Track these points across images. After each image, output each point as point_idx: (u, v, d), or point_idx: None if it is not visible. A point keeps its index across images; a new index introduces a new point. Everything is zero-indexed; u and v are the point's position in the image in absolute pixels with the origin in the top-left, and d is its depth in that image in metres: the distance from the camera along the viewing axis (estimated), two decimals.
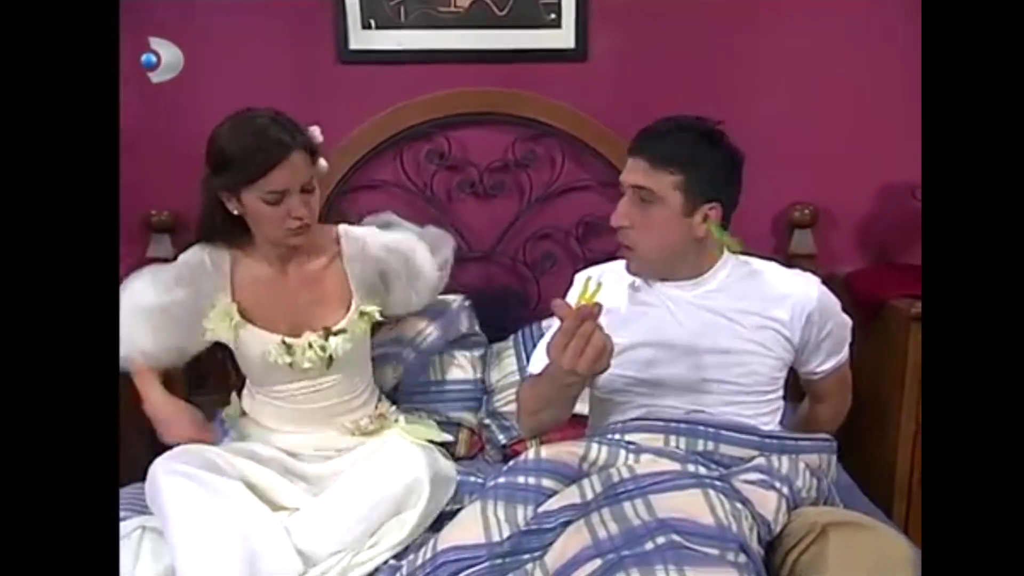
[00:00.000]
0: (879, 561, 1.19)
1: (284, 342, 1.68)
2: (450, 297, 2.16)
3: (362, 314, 1.75)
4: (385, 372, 1.98)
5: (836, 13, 2.24)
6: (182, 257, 1.72)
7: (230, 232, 1.68)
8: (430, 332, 2.04)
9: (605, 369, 1.35)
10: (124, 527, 1.57)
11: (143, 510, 1.63)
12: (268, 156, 1.53)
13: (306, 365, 1.69)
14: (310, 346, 1.68)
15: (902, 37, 2.23)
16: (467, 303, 2.19)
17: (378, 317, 1.79)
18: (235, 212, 1.62)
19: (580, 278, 1.41)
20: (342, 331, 1.72)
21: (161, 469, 1.52)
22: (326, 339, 1.70)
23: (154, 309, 1.68)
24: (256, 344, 1.69)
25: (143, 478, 1.57)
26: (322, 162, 1.67)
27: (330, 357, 1.71)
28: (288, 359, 1.68)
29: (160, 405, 1.70)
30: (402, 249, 1.84)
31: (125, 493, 1.72)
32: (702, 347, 1.54)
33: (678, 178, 1.47)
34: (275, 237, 1.64)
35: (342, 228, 1.78)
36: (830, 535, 1.24)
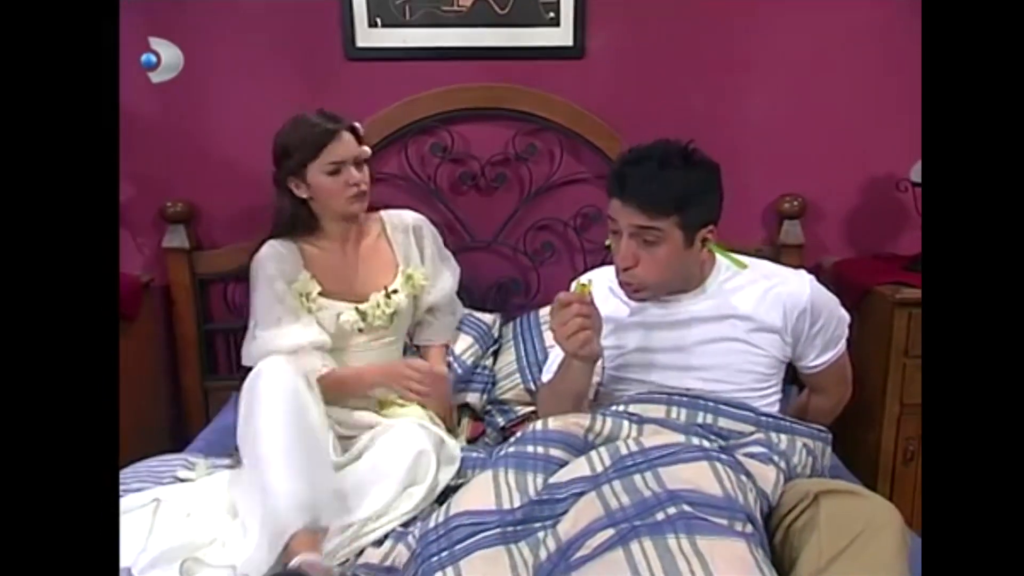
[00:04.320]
0: (867, 524, 1.19)
1: (357, 308, 1.87)
2: (488, 316, 2.21)
3: (408, 277, 1.96)
4: None
5: (825, 12, 2.24)
6: (259, 257, 1.85)
7: (300, 223, 1.87)
8: (473, 349, 2.11)
9: (593, 356, 1.49)
10: (139, 498, 1.56)
11: (160, 481, 1.64)
12: (324, 133, 1.79)
13: (377, 323, 1.89)
14: (377, 305, 1.89)
15: (889, 36, 2.23)
16: (500, 318, 2.24)
17: (421, 280, 1.98)
18: (304, 196, 1.84)
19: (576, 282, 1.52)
20: (395, 291, 1.93)
21: (272, 370, 1.61)
22: (388, 297, 1.91)
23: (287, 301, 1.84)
24: (331, 312, 1.85)
25: (160, 452, 1.59)
26: (365, 148, 1.87)
27: (393, 313, 1.91)
28: (362, 322, 1.87)
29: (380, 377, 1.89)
30: (430, 224, 2.07)
31: (143, 466, 1.72)
32: (698, 350, 1.55)
33: (675, 217, 1.44)
34: (338, 207, 1.84)
35: (383, 211, 2.02)
36: (821, 501, 1.25)
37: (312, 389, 1.65)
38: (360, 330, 1.88)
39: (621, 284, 1.55)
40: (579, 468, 1.35)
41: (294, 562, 1.35)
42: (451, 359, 2.06)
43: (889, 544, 1.18)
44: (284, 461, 1.47)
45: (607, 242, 1.71)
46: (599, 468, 1.33)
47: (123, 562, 1.37)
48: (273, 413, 1.53)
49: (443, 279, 2.06)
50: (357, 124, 1.87)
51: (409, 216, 2.03)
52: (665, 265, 1.49)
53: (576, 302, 1.46)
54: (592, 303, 1.48)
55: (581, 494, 1.29)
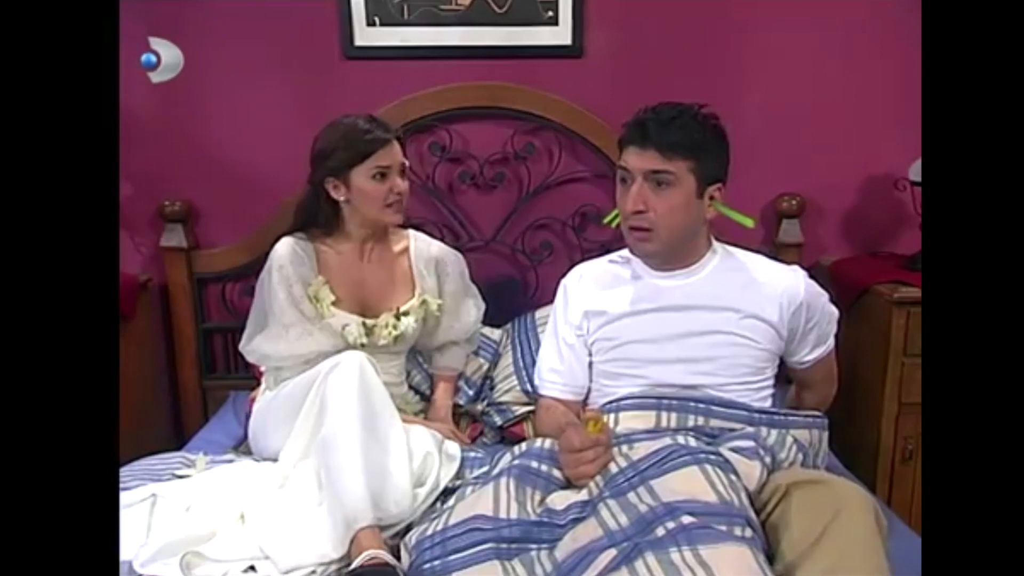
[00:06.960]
0: (838, 511, 1.18)
1: (364, 323, 1.83)
2: (496, 332, 2.20)
3: (423, 302, 1.92)
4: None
5: (823, 12, 2.24)
6: (277, 255, 1.81)
7: (324, 219, 1.85)
8: (483, 370, 2.12)
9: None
10: (136, 495, 1.56)
11: (158, 479, 1.64)
12: (377, 138, 1.78)
13: (381, 342, 1.85)
14: (386, 325, 1.85)
15: (886, 36, 2.23)
16: (508, 328, 2.23)
17: (435, 308, 1.94)
18: (341, 198, 1.81)
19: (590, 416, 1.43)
20: (406, 313, 1.89)
21: (348, 364, 1.60)
22: (398, 319, 1.87)
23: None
24: (338, 321, 1.81)
25: (158, 451, 1.60)
26: (405, 159, 1.86)
27: (399, 336, 1.86)
28: (366, 338, 1.82)
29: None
30: (460, 258, 2.03)
31: (141, 464, 1.73)
32: (691, 341, 1.55)
33: (690, 163, 1.48)
34: (375, 214, 1.82)
35: (412, 231, 1.99)
36: (792, 494, 1.25)
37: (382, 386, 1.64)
38: (363, 345, 1.81)
39: (629, 232, 1.55)
40: (575, 493, 1.36)
41: (363, 557, 1.35)
42: (462, 383, 2.08)
43: (861, 524, 1.18)
44: (357, 459, 1.47)
45: (610, 217, 1.72)
46: (595, 491, 1.34)
47: (123, 556, 1.37)
48: (347, 411, 1.53)
49: (466, 313, 2.04)
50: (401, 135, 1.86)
51: (436, 248, 1.99)
52: (676, 209, 1.50)
53: (591, 448, 1.38)
54: (607, 432, 1.41)
55: (579, 520, 1.29)
